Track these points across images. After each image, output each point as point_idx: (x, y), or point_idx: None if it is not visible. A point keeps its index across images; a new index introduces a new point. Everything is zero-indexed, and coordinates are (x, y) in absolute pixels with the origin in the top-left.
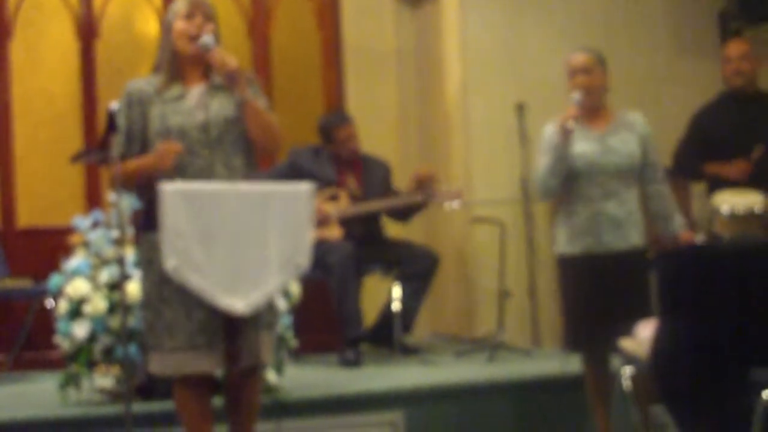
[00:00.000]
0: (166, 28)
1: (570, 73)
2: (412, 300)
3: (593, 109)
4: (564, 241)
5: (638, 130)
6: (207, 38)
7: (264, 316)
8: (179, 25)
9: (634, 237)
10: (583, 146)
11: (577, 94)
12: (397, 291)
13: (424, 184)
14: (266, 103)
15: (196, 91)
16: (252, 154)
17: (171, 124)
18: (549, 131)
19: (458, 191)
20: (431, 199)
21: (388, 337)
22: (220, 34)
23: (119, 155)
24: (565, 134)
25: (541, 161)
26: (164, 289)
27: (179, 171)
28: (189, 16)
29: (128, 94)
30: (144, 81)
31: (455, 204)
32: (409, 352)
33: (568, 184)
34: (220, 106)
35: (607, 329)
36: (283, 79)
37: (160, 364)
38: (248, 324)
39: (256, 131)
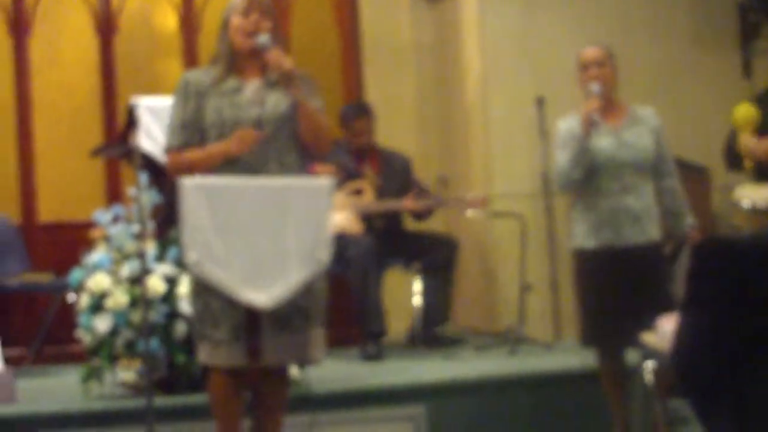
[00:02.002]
0: (224, 22)
1: (582, 66)
2: (441, 290)
3: (606, 103)
4: (582, 235)
5: (651, 124)
6: (263, 38)
7: (312, 312)
8: (236, 21)
9: (652, 231)
10: (600, 140)
11: (595, 85)
12: (417, 285)
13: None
14: (320, 105)
15: (252, 85)
16: (304, 153)
17: (226, 116)
18: (565, 125)
19: (484, 199)
20: (454, 206)
21: (430, 331)
22: (278, 32)
23: (177, 145)
24: (591, 126)
25: (560, 155)
26: None
27: (232, 166)
28: (246, 12)
29: (185, 85)
30: (202, 72)
31: (479, 212)
32: (450, 343)
33: (586, 178)
34: (276, 103)
35: (624, 324)
36: None
37: (208, 355)
38: (280, 320)
39: (307, 132)
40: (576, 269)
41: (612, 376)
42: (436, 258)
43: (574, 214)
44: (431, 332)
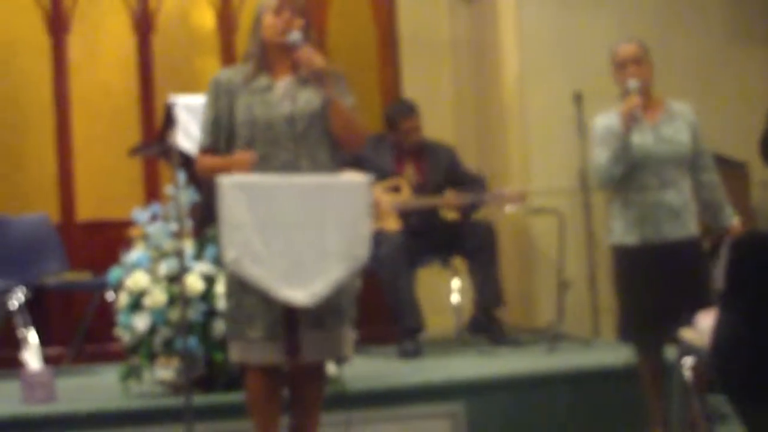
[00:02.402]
0: (256, 20)
1: (619, 64)
2: (488, 273)
3: (644, 99)
4: (621, 232)
5: (687, 118)
6: (294, 36)
7: (345, 310)
8: (267, 18)
9: (691, 226)
10: (639, 136)
11: (633, 82)
12: (456, 283)
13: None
14: (353, 102)
15: (283, 82)
16: (337, 150)
17: (257, 114)
18: (603, 122)
19: (522, 193)
20: (492, 201)
21: (487, 324)
22: (310, 29)
23: (207, 146)
24: (632, 122)
25: (599, 152)
26: None
27: (264, 163)
28: (278, 10)
29: (217, 84)
30: (233, 70)
31: (518, 208)
32: (508, 342)
33: (625, 174)
34: (307, 100)
35: (663, 320)
36: None
37: (241, 353)
38: (316, 318)
39: (339, 130)
40: (615, 265)
41: (650, 372)
42: (476, 242)
43: (613, 211)
44: (488, 318)
